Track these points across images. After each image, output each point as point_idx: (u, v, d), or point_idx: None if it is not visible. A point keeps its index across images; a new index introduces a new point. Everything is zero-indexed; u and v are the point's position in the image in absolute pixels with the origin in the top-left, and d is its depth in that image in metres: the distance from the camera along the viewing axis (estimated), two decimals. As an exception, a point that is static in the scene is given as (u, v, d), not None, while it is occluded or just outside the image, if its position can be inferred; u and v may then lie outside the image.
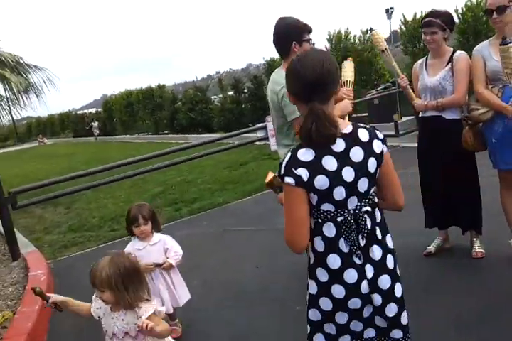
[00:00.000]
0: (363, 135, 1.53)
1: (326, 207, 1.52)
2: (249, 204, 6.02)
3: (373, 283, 1.53)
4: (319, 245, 1.54)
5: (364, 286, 1.52)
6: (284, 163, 1.50)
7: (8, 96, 7.56)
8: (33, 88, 7.85)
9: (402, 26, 11.15)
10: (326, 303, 1.55)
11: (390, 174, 1.60)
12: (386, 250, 1.57)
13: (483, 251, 3.22)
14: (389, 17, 22.01)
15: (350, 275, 1.51)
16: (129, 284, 1.88)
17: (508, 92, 2.80)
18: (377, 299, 1.54)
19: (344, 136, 1.51)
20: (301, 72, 1.51)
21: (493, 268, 3.09)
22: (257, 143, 9.19)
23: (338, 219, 1.52)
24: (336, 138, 1.49)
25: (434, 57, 3.20)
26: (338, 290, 1.52)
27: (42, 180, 10.24)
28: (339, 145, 1.50)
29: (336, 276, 1.53)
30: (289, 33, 2.58)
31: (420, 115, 3.34)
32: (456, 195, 3.20)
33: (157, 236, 2.86)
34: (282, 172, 1.50)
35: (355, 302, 1.53)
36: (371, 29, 3.30)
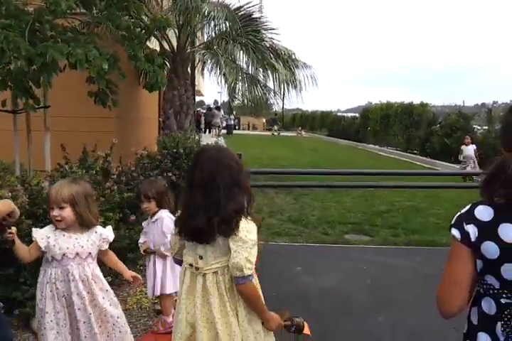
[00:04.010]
0: None
1: (490, 280, 1.29)
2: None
3: None
4: (474, 317, 1.35)
5: None
6: (458, 214, 1.36)
7: (274, 87, 8.35)
8: (297, 83, 8.48)
9: None
10: None
11: None
12: None
13: None
14: None
15: None
16: (89, 203, 2.16)
17: None
18: None
19: None
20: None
21: None
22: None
23: (502, 301, 1.26)
24: None
25: None
26: None
27: (283, 166, 11.28)
28: None
29: None
30: None
31: None
32: None
33: (158, 214, 2.78)
34: (452, 222, 1.35)
35: None
36: None
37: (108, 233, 2.26)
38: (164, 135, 7.32)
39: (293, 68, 8.56)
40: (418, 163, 15.40)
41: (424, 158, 16.42)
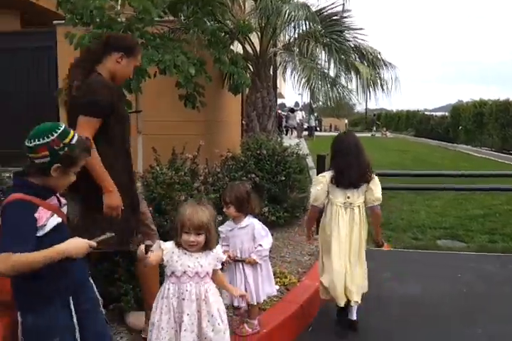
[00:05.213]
0: None
1: None
2: None
3: None
4: None
5: None
6: None
7: (357, 88, 8.05)
8: (383, 83, 8.12)
9: None
10: None
11: None
12: None
13: None
14: None
15: None
16: (216, 227, 2.27)
17: None
18: None
19: None
20: None
21: None
22: None
23: None
24: None
25: None
26: None
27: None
28: None
29: None
30: None
31: None
32: None
33: (247, 220, 2.72)
34: None
35: None
36: None
37: (220, 252, 2.24)
38: (248, 137, 7.41)
39: (378, 68, 8.26)
40: (517, 164, 14.24)
41: (524, 159, 15.16)
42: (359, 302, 3.13)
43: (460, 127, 22.83)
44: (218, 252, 2.22)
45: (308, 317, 3.36)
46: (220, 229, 2.77)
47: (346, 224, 3.09)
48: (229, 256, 2.65)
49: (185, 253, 2.14)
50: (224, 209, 2.74)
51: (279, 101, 28.79)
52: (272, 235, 4.57)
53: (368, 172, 3.09)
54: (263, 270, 2.76)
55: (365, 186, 3.09)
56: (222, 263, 2.40)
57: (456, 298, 3.84)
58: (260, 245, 2.67)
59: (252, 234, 2.69)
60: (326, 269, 3.17)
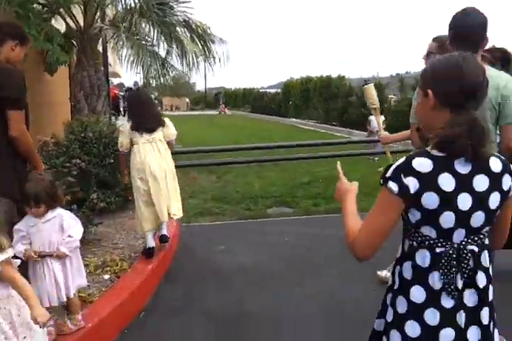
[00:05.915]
0: (496, 165, 1.34)
1: (427, 230, 1.32)
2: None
3: (461, 334, 1.31)
4: (407, 272, 1.37)
5: (448, 334, 1.31)
6: (394, 167, 1.31)
7: (182, 64, 7.99)
8: (216, 59, 8.20)
9: None
10: (396, 337, 1.38)
11: (506, 215, 1.42)
12: (484, 300, 1.36)
13: None
14: None
15: (432, 317, 1.31)
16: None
17: None
18: None
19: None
20: (465, 73, 1.31)
21: None
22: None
23: (437, 250, 1.31)
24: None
25: None
26: (412, 328, 1.34)
27: (205, 145, 11.18)
28: (464, 167, 1.29)
29: (416, 312, 1.34)
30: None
31: None
32: None
33: (52, 213, 2.43)
34: (388, 174, 1.31)
35: None
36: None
37: None
38: (75, 120, 6.92)
39: (208, 43, 8.29)
40: (337, 134, 15.94)
41: (342, 129, 17.03)
42: (177, 215, 3.98)
43: (290, 102, 24.60)
44: None
45: (141, 302, 3.28)
46: (17, 227, 2.40)
47: (153, 154, 3.80)
48: (34, 253, 2.35)
49: None
50: (32, 210, 2.38)
51: (117, 80, 27.34)
52: (102, 223, 4.41)
53: (161, 119, 3.90)
54: (73, 262, 2.52)
55: (161, 128, 3.87)
56: (23, 261, 2.11)
57: (283, 262, 4.12)
58: (70, 236, 2.43)
59: (59, 225, 2.44)
60: (140, 196, 3.82)
